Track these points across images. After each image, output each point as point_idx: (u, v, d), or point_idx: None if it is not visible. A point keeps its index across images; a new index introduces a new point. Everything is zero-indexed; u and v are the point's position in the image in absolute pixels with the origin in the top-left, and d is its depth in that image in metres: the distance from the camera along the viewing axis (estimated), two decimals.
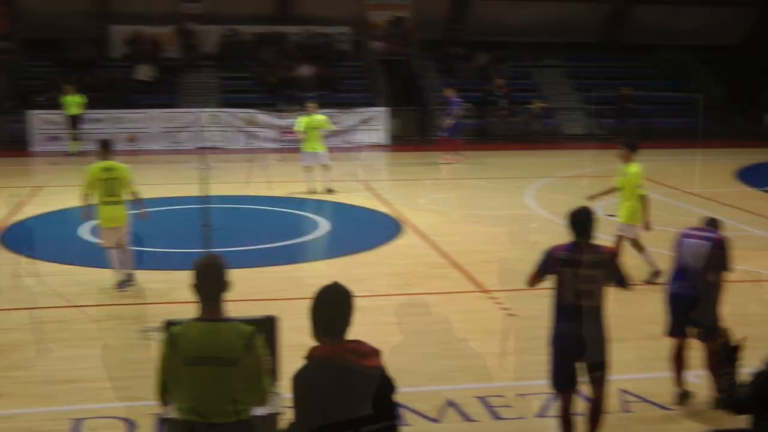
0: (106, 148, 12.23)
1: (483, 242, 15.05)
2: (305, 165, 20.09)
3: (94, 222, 12.32)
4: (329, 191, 19.66)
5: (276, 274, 12.88)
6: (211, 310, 5.01)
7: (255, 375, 5.01)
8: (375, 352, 4.81)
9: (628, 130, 27.25)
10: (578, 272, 6.83)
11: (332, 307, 4.74)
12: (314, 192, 19.61)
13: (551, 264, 7.01)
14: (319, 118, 20.26)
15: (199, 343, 4.92)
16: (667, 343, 8.36)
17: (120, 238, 12.15)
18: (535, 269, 7.18)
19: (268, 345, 5.85)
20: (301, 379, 4.58)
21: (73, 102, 27.48)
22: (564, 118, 33.15)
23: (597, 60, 36.12)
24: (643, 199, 12.28)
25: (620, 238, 12.48)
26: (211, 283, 5.01)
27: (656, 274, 12.09)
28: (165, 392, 5.10)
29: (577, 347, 6.83)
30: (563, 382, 7.00)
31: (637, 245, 12.54)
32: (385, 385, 4.73)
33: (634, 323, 10.21)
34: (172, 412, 5.19)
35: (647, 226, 12.36)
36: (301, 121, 20.46)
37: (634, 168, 12.26)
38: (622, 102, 32.06)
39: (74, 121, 27.60)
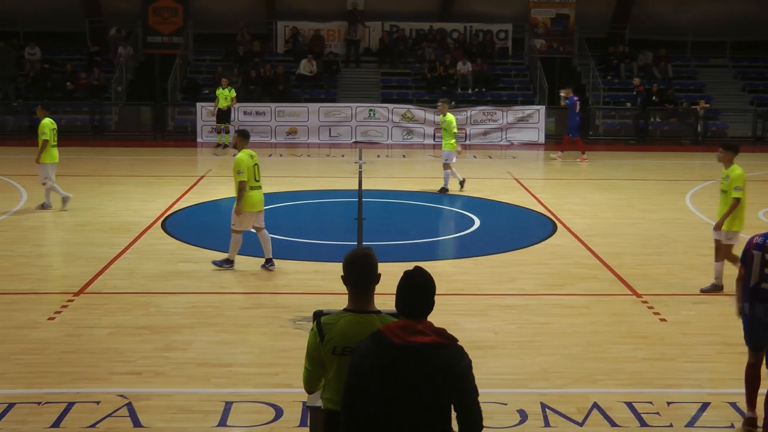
0: (246, 138, 12.61)
1: (637, 245, 14.71)
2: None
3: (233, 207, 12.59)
4: (442, 190, 19.48)
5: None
6: (361, 301, 5.06)
7: None
8: (435, 331, 4.65)
9: None
10: (766, 257, 7.37)
11: (409, 290, 4.75)
12: (446, 189, 19.52)
13: (747, 249, 7.60)
14: (447, 118, 19.59)
15: (347, 334, 4.97)
16: None
17: (260, 221, 12.53)
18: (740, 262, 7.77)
19: None
20: (354, 354, 4.70)
21: (222, 95, 27.70)
22: (730, 120, 31.97)
23: (767, 60, 34.64)
24: (735, 202, 11.52)
25: (729, 247, 11.69)
26: (361, 275, 5.05)
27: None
28: (311, 381, 5.19)
29: (759, 327, 7.43)
30: (750, 343, 7.61)
31: (730, 255, 11.68)
32: (445, 364, 4.59)
33: None
34: (317, 401, 5.30)
35: (718, 225, 11.71)
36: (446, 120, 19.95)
37: (738, 170, 11.60)
38: None
39: (222, 114, 27.84)
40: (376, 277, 5.10)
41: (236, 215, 12.48)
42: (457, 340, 4.67)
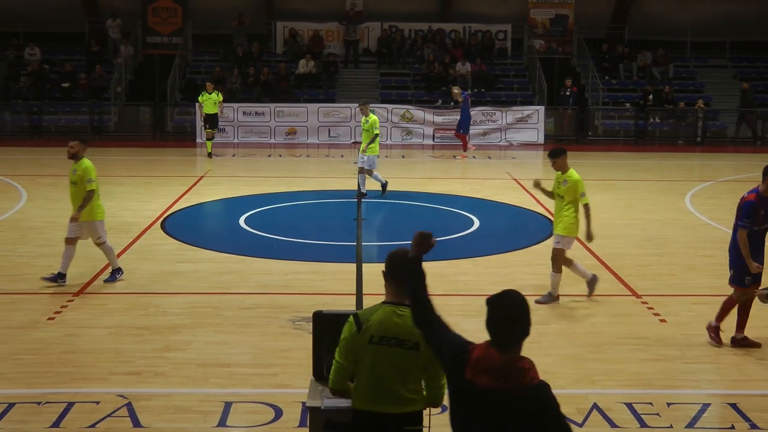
0: (86, 145, 12.44)
1: (637, 245, 14.72)
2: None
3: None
4: (360, 195, 18.61)
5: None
6: (399, 294, 5.19)
7: (436, 366, 5.08)
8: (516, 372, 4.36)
9: None
10: None
11: (502, 316, 4.43)
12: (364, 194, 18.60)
13: (754, 203, 9.29)
14: (371, 119, 18.82)
15: (385, 324, 5.11)
16: None
17: (102, 232, 12.03)
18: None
19: None
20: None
21: (210, 100, 25.66)
22: (729, 121, 31.97)
23: (766, 60, 34.64)
24: (586, 209, 11.30)
25: (561, 252, 11.37)
26: (401, 270, 5.17)
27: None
28: (340, 375, 5.23)
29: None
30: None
31: (565, 259, 11.43)
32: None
33: None
34: (318, 401, 5.33)
35: (590, 236, 11.41)
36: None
37: (575, 175, 11.22)
38: None
39: (211, 119, 25.84)
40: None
41: (74, 224, 11.83)
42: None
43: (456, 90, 27.28)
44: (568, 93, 30.95)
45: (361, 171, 18.74)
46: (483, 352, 4.36)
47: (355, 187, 18.73)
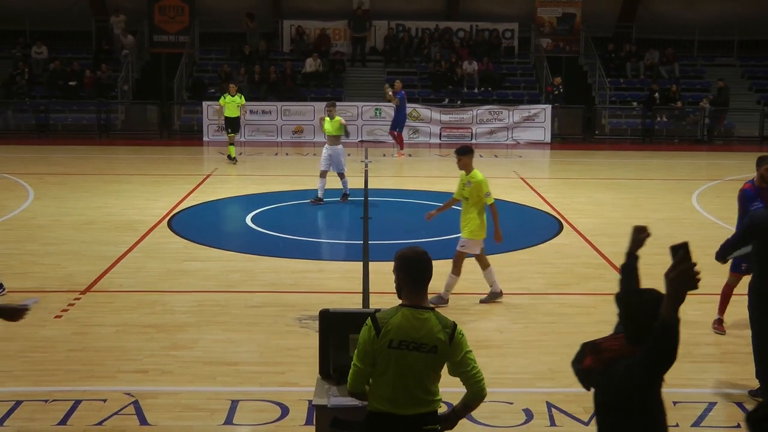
0: None
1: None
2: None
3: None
4: (317, 200, 17.87)
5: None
6: (417, 297, 5.14)
7: (464, 364, 5.10)
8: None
9: None
10: None
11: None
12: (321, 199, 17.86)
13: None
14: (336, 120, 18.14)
15: (404, 328, 5.04)
16: None
17: None
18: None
19: None
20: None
21: (232, 103, 24.26)
22: (737, 120, 31.90)
23: None
24: (493, 209, 11.12)
25: (462, 255, 11.18)
26: (423, 271, 5.14)
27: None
28: (358, 379, 5.18)
29: None
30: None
31: (483, 261, 11.27)
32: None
33: None
34: (324, 399, 5.33)
35: (498, 236, 11.27)
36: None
37: (479, 175, 11.04)
38: None
39: (232, 123, 24.37)
40: (431, 276, 5.21)
41: None
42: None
43: (390, 88, 26.41)
44: (556, 92, 30.85)
45: (323, 176, 17.78)
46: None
47: (362, 186, 18.76)
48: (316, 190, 17.76)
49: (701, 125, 31.01)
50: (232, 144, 24.37)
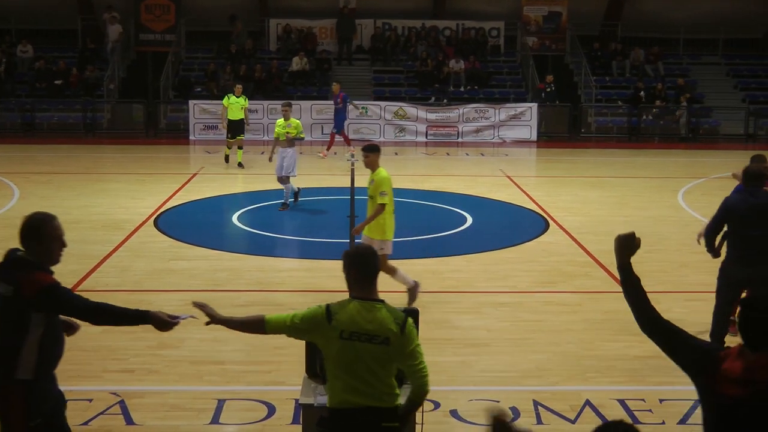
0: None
1: None
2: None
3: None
4: (285, 205, 17.27)
5: (419, 267, 12.92)
6: (367, 290, 5.23)
7: (412, 356, 5.14)
8: None
9: None
10: None
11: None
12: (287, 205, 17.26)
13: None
14: (293, 122, 17.62)
15: (356, 319, 5.11)
16: None
17: None
18: None
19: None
20: None
21: (237, 105, 23.11)
22: (722, 118, 32.02)
23: (759, 58, 34.72)
24: (380, 208, 10.66)
25: (384, 258, 10.54)
26: (369, 265, 5.26)
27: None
28: (280, 321, 5.33)
29: None
30: None
31: (386, 265, 10.58)
32: None
33: None
34: (311, 398, 5.37)
35: (357, 230, 10.98)
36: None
37: (383, 173, 10.74)
38: None
39: (237, 126, 23.17)
40: (378, 270, 5.34)
41: None
42: None
43: (336, 86, 25.99)
44: (548, 90, 30.92)
45: (286, 180, 17.15)
46: (733, 359, 4.29)
47: (348, 184, 18.67)
48: (303, 188, 17.75)
49: (685, 123, 31.08)
50: (232, 147, 23.21)
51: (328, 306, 5.21)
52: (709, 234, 9.29)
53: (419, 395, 5.22)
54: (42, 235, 5.48)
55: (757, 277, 8.71)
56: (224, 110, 23.18)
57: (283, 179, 17.17)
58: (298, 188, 17.54)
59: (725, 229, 9.28)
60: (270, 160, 17.95)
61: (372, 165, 10.86)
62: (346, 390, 5.14)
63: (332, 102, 26.45)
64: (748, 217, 8.85)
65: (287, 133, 17.19)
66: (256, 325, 5.45)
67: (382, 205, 10.63)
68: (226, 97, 23.35)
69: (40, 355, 5.38)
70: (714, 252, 9.36)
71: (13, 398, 5.33)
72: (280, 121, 17.54)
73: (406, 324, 5.15)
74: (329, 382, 5.23)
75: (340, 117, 26.16)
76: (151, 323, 5.62)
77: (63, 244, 5.58)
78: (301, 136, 17.50)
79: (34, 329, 5.35)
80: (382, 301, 5.24)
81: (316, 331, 5.19)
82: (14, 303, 5.32)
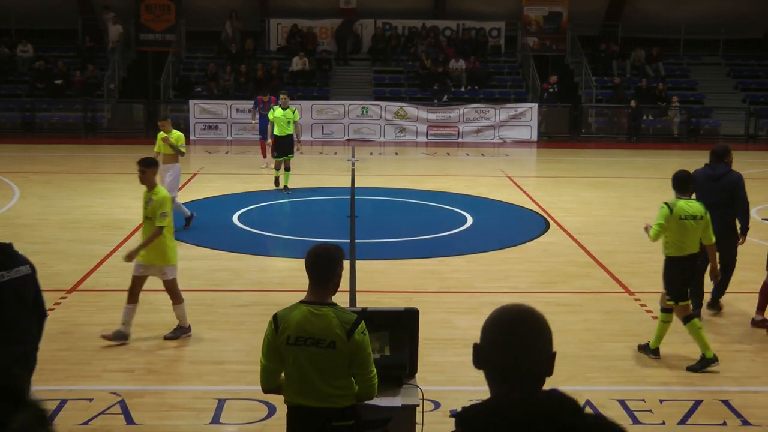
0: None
1: (629, 243, 14.72)
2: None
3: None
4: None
5: (419, 268, 12.92)
6: (317, 294, 5.16)
7: (359, 362, 5.12)
8: None
9: None
10: None
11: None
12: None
13: None
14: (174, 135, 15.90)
15: (302, 325, 5.09)
16: None
17: None
18: None
19: (410, 337, 5.92)
20: None
21: (283, 119, 19.10)
22: (722, 118, 32.02)
23: (759, 58, 34.72)
24: (158, 231, 9.47)
25: (174, 282, 9.76)
26: (320, 268, 5.16)
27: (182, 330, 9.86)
28: (267, 377, 5.28)
29: None
30: None
31: (174, 291, 9.78)
32: None
33: None
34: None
35: (131, 256, 9.64)
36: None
37: (162, 192, 9.69)
38: None
39: (285, 144, 19.09)
40: (336, 274, 5.21)
41: None
42: None
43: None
44: (551, 90, 30.91)
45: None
46: None
47: (348, 184, 18.70)
48: (303, 188, 17.74)
49: (678, 123, 31.10)
50: (287, 170, 19.10)
51: (275, 315, 5.21)
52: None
53: (363, 398, 5.26)
54: None
55: None
56: (270, 126, 19.35)
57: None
58: (192, 213, 15.52)
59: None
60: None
61: (149, 182, 9.66)
62: (297, 393, 5.17)
63: (262, 109, 23.24)
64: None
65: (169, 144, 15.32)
66: (277, 391, 5.40)
67: (161, 228, 9.46)
68: (271, 110, 19.59)
69: None
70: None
71: None
72: (163, 133, 15.73)
73: (356, 329, 5.07)
74: (285, 380, 5.25)
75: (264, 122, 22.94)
76: None
77: None
78: (182, 150, 15.58)
79: None
80: (333, 305, 5.17)
81: (275, 347, 5.17)
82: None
